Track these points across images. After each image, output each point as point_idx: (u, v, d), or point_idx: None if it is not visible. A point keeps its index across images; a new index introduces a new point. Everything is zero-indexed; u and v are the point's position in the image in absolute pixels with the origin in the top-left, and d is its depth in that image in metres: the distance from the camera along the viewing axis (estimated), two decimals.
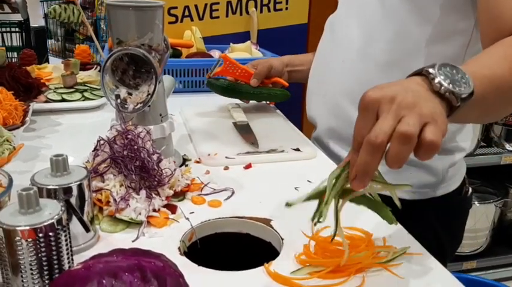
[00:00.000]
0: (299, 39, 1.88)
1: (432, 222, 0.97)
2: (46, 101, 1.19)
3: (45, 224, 0.51)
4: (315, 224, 0.56)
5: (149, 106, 0.81)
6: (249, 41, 1.59)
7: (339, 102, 0.99)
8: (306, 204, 0.77)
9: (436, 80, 0.56)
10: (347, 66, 0.97)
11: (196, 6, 1.71)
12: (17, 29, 1.95)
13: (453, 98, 0.56)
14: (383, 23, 0.91)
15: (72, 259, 0.56)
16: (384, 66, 0.92)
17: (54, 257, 0.52)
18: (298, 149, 0.98)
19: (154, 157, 0.75)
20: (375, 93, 0.54)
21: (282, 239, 0.67)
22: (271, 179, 0.87)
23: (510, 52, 0.67)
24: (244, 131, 1.07)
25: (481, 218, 2.15)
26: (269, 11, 1.83)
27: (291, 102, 1.23)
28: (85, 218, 0.64)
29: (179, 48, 1.54)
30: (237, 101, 1.26)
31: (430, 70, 0.57)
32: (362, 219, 0.70)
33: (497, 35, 0.72)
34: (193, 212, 0.74)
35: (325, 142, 1.04)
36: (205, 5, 1.72)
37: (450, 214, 1.01)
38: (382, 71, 0.92)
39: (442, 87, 0.56)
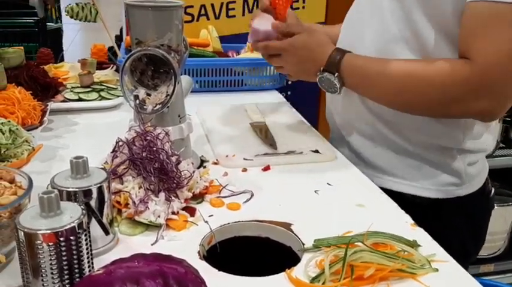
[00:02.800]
0: None
1: (457, 222, 0.96)
2: (63, 101, 1.19)
3: (66, 228, 0.51)
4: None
5: (168, 107, 0.80)
6: None
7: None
8: (327, 208, 0.76)
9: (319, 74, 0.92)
10: None
11: (212, 5, 1.70)
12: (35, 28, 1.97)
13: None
14: (399, 27, 0.89)
15: (92, 263, 0.55)
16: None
17: (75, 261, 0.52)
18: (317, 151, 0.96)
19: (173, 158, 0.75)
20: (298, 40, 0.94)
21: (303, 244, 0.66)
22: (291, 182, 0.86)
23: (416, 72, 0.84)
24: (262, 132, 1.06)
25: (499, 221, 2.11)
26: None
27: (307, 101, 1.20)
28: (104, 220, 0.63)
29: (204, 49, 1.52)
30: (255, 101, 1.25)
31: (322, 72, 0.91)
32: (384, 225, 0.69)
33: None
34: (212, 215, 0.73)
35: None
36: (222, 3, 1.71)
37: (474, 214, 1.00)
38: None
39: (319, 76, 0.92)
